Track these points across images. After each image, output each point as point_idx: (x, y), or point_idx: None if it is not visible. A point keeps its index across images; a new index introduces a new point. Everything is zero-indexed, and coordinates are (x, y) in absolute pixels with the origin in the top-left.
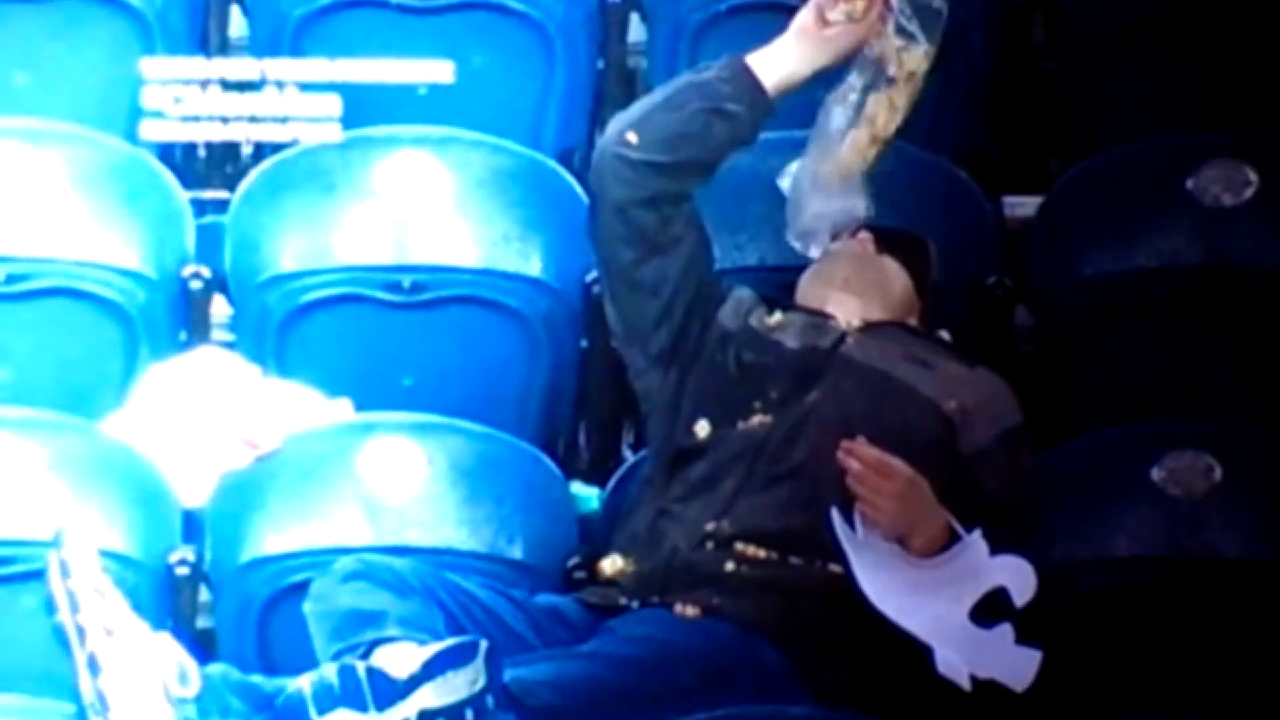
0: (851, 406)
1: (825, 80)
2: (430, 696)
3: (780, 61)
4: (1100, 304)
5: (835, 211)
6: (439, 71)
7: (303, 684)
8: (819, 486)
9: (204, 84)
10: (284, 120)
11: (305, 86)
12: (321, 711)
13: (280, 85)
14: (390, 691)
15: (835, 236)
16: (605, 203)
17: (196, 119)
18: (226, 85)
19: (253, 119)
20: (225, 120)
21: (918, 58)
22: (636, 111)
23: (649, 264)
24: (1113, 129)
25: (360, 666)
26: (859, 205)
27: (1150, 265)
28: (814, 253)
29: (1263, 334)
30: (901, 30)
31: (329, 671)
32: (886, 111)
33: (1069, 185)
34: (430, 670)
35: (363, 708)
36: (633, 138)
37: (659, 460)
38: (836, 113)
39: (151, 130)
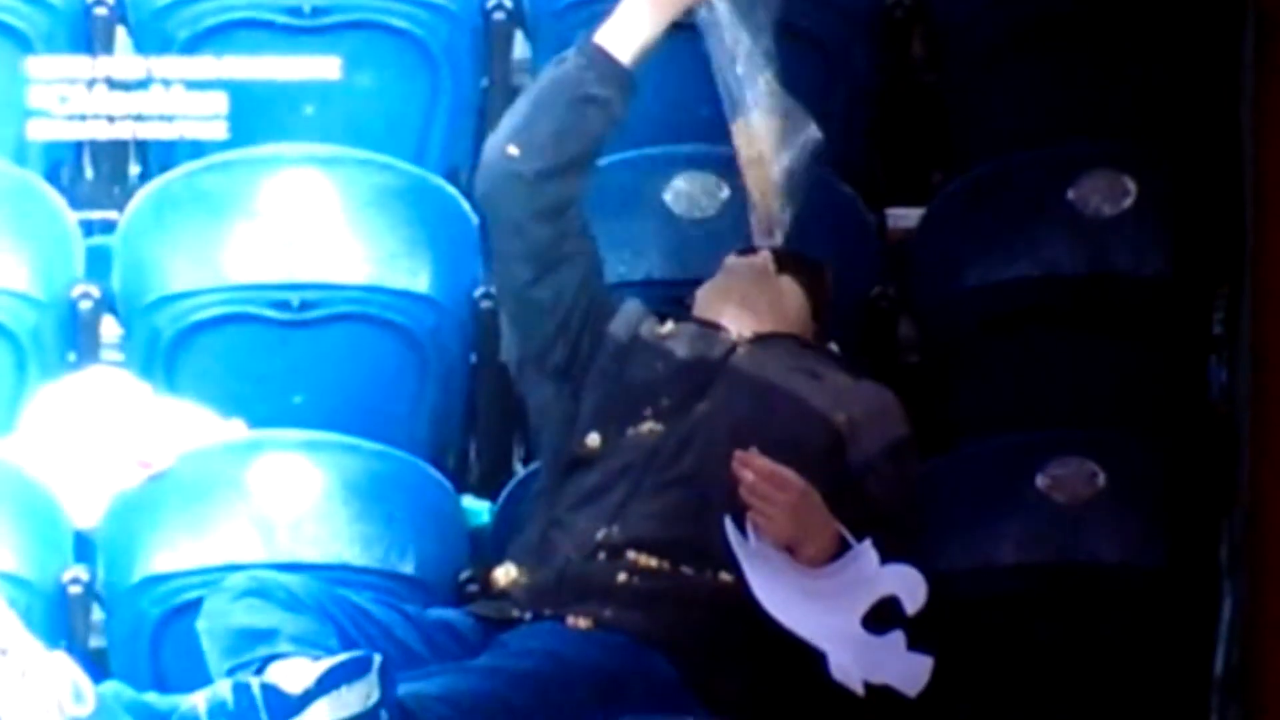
0: (741, 416)
1: (699, 88)
2: (325, 711)
3: (628, 30)
4: (983, 314)
5: (799, 149)
6: (325, 68)
7: (197, 701)
8: (708, 495)
9: (90, 83)
10: (170, 118)
11: (191, 85)
12: None
13: (166, 84)
14: (284, 706)
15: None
16: (499, 222)
17: (83, 118)
18: (112, 84)
19: (139, 117)
20: (111, 119)
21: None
22: (510, 126)
23: (545, 281)
24: (993, 141)
25: (254, 683)
26: (811, 129)
27: (1032, 275)
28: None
29: (1143, 341)
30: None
31: (223, 688)
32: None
33: (950, 197)
34: (324, 685)
35: None
36: (514, 150)
37: (551, 471)
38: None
39: (38, 130)
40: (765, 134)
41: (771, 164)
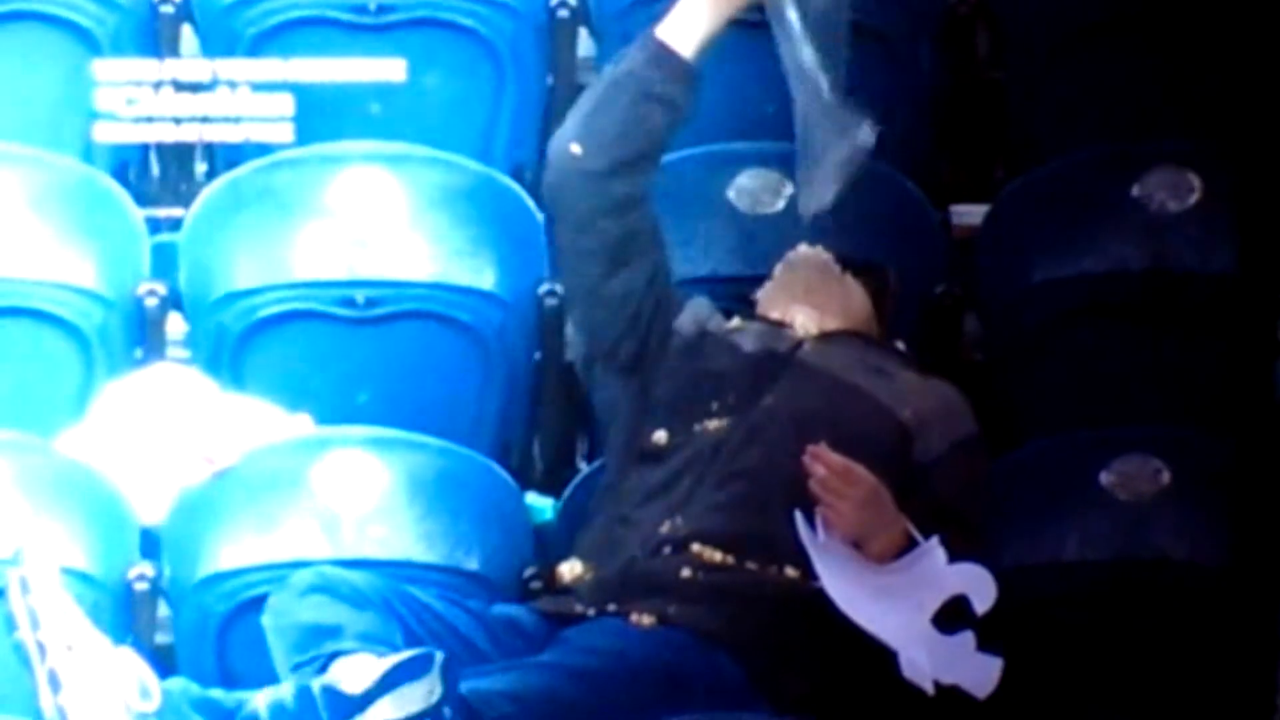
0: (807, 411)
1: (763, 85)
2: (388, 709)
3: (690, 25)
4: (1048, 311)
5: (848, 148)
6: (390, 70)
7: (258, 703)
8: (773, 489)
9: (156, 85)
10: (236, 120)
11: (257, 87)
12: None
13: (232, 85)
14: (346, 708)
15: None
16: (568, 221)
17: (150, 120)
18: (179, 86)
19: (205, 119)
20: (178, 121)
21: None
22: (573, 124)
23: (616, 276)
24: (1057, 138)
25: (315, 685)
26: (864, 133)
27: (1097, 271)
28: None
29: (1208, 338)
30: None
31: (285, 691)
32: None
33: (1015, 194)
34: (386, 683)
35: None
36: (577, 149)
37: (618, 466)
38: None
39: (105, 132)
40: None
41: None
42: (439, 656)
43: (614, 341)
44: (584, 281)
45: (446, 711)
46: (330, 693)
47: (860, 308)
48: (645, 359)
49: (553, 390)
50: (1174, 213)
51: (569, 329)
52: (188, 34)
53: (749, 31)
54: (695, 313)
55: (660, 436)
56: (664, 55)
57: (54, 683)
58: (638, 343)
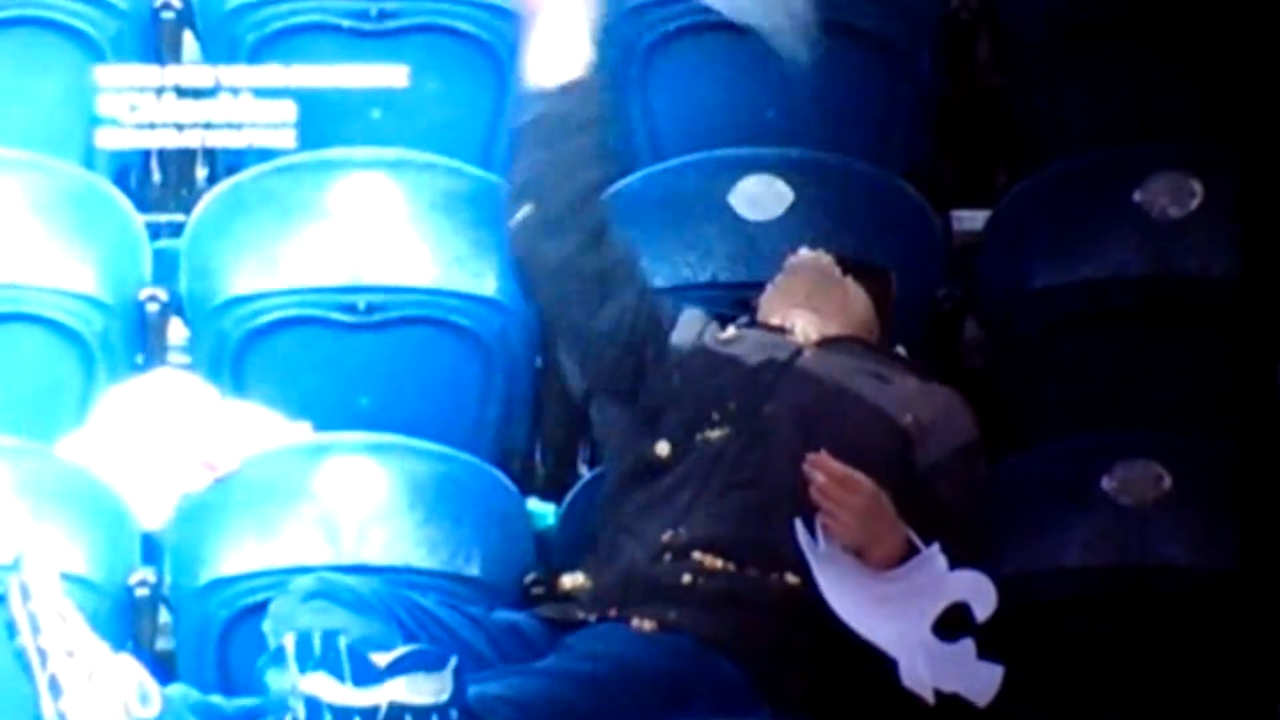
0: (807, 418)
1: (763, 91)
2: (402, 689)
3: (554, 50)
4: (1049, 316)
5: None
6: (392, 76)
7: (286, 642)
8: (774, 497)
9: (159, 91)
10: (238, 126)
11: (259, 93)
12: (302, 668)
13: (234, 92)
14: (367, 672)
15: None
16: (545, 271)
17: (152, 126)
18: (181, 92)
19: (208, 125)
20: (180, 127)
21: None
22: (516, 192)
23: (603, 311)
24: (1058, 143)
25: (342, 639)
26: None
27: (1098, 277)
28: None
29: (1210, 343)
30: None
31: (315, 636)
32: None
33: (1017, 199)
34: (404, 664)
35: (340, 677)
36: (530, 208)
37: (620, 480)
38: None
39: (107, 138)
40: None
41: None
42: (453, 660)
43: (613, 371)
44: (573, 324)
45: (453, 714)
46: (356, 653)
47: (861, 311)
48: (644, 376)
49: (554, 396)
50: (1175, 218)
51: (565, 364)
52: (189, 40)
53: (747, 37)
54: (690, 324)
55: (662, 449)
56: (569, 86)
57: (54, 689)
58: (635, 363)
